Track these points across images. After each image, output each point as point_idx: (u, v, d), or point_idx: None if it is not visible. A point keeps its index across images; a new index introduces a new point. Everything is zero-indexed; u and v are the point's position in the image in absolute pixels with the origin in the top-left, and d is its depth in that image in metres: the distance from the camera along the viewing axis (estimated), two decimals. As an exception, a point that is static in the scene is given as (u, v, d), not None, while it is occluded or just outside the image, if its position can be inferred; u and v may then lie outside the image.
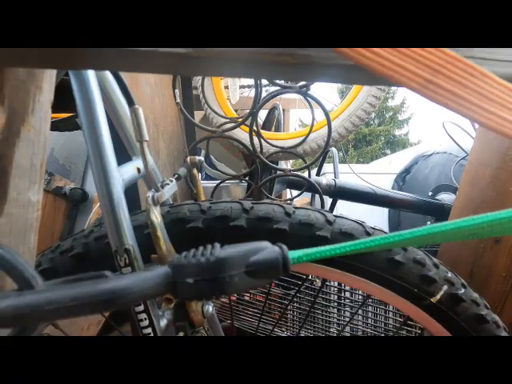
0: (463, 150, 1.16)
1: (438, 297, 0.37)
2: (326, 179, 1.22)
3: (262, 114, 1.41)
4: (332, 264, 0.37)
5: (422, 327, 0.52)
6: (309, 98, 0.62)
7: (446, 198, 1.32)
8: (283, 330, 0.67)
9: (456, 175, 1.21)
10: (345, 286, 0.61)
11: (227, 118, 0.80)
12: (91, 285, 0.14)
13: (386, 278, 0.37)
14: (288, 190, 1.39)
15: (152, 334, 0.32)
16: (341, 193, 1.22)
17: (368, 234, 0.36)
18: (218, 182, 0.87)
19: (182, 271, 0.15)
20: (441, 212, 1.28)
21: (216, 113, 0.78)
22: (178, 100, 0.49)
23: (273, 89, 0.79)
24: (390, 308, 0.65)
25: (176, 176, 0.37)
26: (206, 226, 0.35)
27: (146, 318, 0.32)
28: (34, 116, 0.22)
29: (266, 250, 0.16)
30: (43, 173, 0.25)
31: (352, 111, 0.76)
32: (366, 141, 14.35)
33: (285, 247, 0.16)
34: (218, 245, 0.16)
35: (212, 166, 1.62)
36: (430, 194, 1.41)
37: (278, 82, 0.56)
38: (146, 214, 0.28)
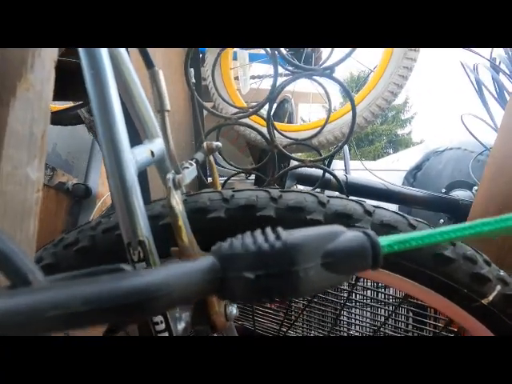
0: (482, 144, 1.11)
1: (491, 298, 0.32)
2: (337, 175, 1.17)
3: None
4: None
5: (458, 331, 0.48)
6: (324, 86, 0.58)
7: (460, 194, 1.28)
8: (306, 333, 0.62)
9: (474, 171, 1.16)
10: (380, 286, 0.56)
11: (238, 108, 0.76)
12: (113, 281, 0.10)
13: (432, 277, 0.32)
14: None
15: (169, 340, 0.28)
16: (352, 189, 1.18)
17: (412, 227, 0.32)
18: (225, 178, 0.83)
19: (235, 263, 0.11)
20: (456, 209, 1.24)
21: (226, 102, 0.74)
22: (194, 80, 0.45)
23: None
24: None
25: (194, 160, 0.33)
26: (228, 217, 0.31)
27: (162, 321, 0.28)
28: (33, 73, 0.18)
29: (345, 235, 0.12)
30: (45, 147, 0.21)
31: (371, 101, 0.72)
32: (369, 140, 14.30)
33: (372, 232, 0.12)
34: (280, 228, 0.12)
35: (217, 163, 1.58)
36: (444, 190, 1.36)
37: (299, 64, 0.52)
38: (167, 198, 0.24)
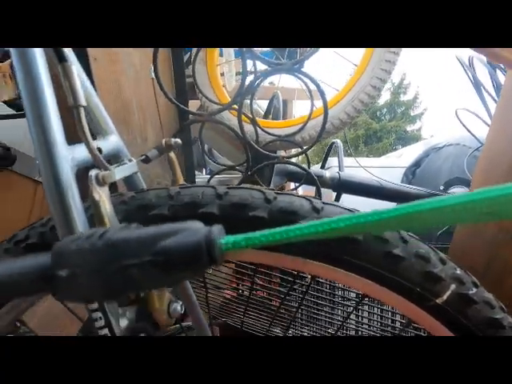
0: (477, 139, 1.08)
1: (445, 297, 0.31)
2: (329, 172, 1.16)
3: (264, 104, 1.35)
4: (319, 258, 0.32)
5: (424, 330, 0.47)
6: (305, 81, 0.57)
7: (458, 191, 1.25)
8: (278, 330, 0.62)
9: (469, 167, 1.13)
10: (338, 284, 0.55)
11: (220, 105, 0.75)
12: None
13: (384, 276, 0.32)
14: (293, 184, 1.34)
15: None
16: (345, 186, 1.16)
17: (361, 224, 0.31)
18: (221, 174, 0.83)
19: (61, 259, 0.11)
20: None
21: (208, 98, 0.74)
22: (153, 75, 0.45)
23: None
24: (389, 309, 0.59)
25: (143, 157, 0.33)
26: (172, 214, 0.30)
27: (101, 318, 0.28)
28: None
29: (187, 231, 0.11)
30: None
31: (354, 95, 0.70)
32: (377, 137, 14.09)
33: (216, 228, 0.11)
34: (122, 225, 0.12)
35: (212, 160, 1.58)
36: (442, 188, 1.33)
37: (269, 60, 0.51)
38: (89, 193, 0.24)
